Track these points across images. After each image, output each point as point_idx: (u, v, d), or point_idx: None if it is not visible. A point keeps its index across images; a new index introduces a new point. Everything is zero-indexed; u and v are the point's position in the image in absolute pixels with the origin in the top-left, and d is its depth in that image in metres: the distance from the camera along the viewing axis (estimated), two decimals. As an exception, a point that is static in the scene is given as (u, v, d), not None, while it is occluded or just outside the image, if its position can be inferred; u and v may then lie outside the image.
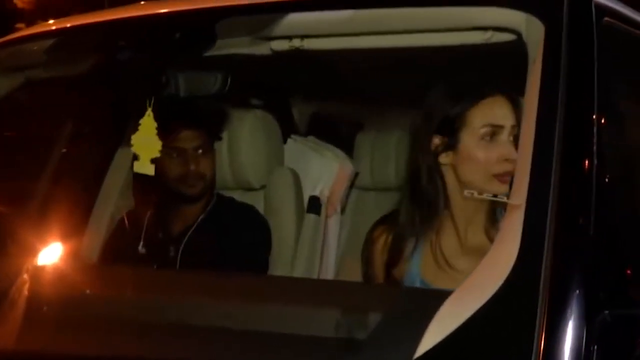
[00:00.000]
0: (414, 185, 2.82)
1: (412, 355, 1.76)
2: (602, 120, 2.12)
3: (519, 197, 1.98)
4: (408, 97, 3.55)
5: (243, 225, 3.39)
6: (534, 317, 1.78)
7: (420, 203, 2.80)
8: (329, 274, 3.56)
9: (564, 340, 1.77)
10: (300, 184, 3.55)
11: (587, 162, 2.03)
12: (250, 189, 3.57)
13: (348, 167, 3.65)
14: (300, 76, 3.36)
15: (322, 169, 3.63)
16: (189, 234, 3.40)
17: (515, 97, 2.76)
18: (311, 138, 3.78)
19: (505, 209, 2.39)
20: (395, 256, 2.82)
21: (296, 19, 2.57)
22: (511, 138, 2.72)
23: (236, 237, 3.33)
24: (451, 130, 2.77)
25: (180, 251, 3.36)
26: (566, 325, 1.79)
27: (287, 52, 2.65)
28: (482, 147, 2.73)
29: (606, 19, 2.38)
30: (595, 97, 2.14)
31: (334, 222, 3.61)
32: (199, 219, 3.42)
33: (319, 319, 1.97)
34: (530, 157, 2.01)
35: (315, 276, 3.45)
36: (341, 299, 2.10)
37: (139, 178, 3.43)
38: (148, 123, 2.54)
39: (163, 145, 3.14)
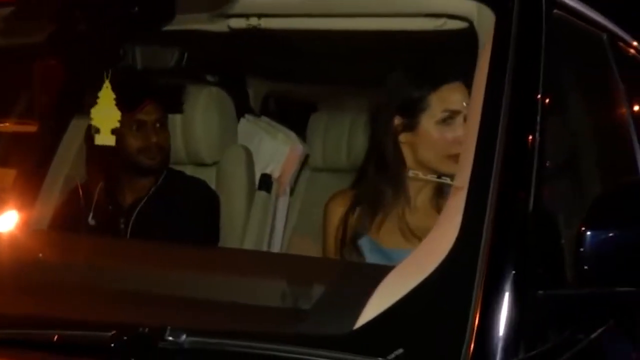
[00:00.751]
0: (377, 161, 3.05)
1: (352, 326, 1.89)
2: (547, 107, 2.27)
3: (463, 179, 2.11)
4: (362, 80, 3.68)
5: (193, 197, 3.52)
6: (471, 293, 1.91)
7: (382, 176, 3.03)
8: (277, 251, 3.68)
9: (498, 316, 1.90)
10: (253, 162, 3.67)
11: (529, 148, 2.17)
12: (202, 164, 3.69)
13: (298, 149, 3.79)
14: (257, 55, 3.47)
15: (273, 151, 3.76)
16: (139, 206, 3.51)
17: (468, 83, 2.95)
18: (264, 118, 3.90)
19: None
20: (353, 224, 3.03)
21: None
22: (464, 121, 2.90)
23: (186, 210, 3.45)
24: (411, 112, 3.00)
25: (130, 223, 3.46)
26: (500, 302, 1.92)
27: (245, 30, 2.76)
28: (439, 130, 2.97)
29: (556, 11, 2.53)
30: (541, 85, 2.28)
31: (282, 203, 3.74)
32: (150, 192, 3.53)
33: (266, 290, 2.10)
34: (475, 141, 2.14)
35: (264, 252, 3.57)
36: (288, 271, 2.23)
37: (92, 149, 3.54)
38: (106, 95, 2.64)
39: (124, 118, 3.25)
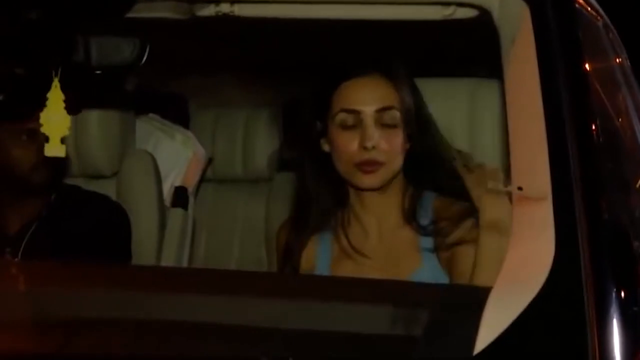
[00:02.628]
0: (300, 177, 3.22)
1: (471, 350, 2.10)
2: (599, 101, 2.57)
3: (540, 189, 2.35)
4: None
5: (95, 217, 3.55)
6: (582, 307, 2.17)
7: (310, 196, 3.19)
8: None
9: (612, 333, 2.17)
10: (159, 171, 3.72)
11: (597, 147, 2.45)
12: (99, 176, 3.73)
13: (201, 153, 3.86)
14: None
15: (173, 155, 3.82)
16: (29, 232, 3.53)
17: (393, 77, 3.14)
18: (153, 116, 3.95)
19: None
20: (299, 256, 3.18)
21: None
22: (374, 123, 3.07)
23: (88, 233, 3.49)
24: (321, 115, 3.14)
25: (20, 253, 3.47)
26: (611, 320, 2.18)
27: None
28: (341, 135, 3.09)
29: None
30: (589, 78, 2.58)
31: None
32: (42, 215, 3.56)
33: (362, 315, 2.29)
34: (546, 146, 2.39)
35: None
36: (373, 295, 2.42)
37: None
38: (56, 97, 2.68)
39: (10, 128, 3.27)
